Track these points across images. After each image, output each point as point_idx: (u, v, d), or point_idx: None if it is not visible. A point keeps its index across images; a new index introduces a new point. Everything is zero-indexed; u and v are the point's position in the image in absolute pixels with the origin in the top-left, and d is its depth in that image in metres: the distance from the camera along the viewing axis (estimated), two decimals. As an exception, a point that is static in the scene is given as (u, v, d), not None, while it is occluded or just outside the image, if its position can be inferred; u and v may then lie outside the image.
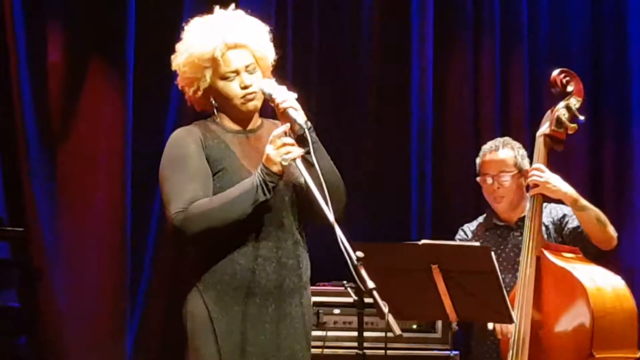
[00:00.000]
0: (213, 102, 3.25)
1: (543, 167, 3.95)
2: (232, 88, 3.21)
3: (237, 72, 3.20)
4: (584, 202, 4.00)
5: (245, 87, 3.20)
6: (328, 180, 3.07)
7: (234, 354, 3.13)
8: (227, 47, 3.19)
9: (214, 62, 3.19)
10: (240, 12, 3.27)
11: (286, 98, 3.15)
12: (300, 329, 3.23)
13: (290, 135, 3.14)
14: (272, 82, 3.22)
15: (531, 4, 5.64)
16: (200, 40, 3.20)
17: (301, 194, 3.22)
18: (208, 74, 3.20)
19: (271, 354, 3.16)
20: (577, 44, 5.66)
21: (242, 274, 3.15)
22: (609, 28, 5.67)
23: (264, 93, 3.21)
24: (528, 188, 4.08)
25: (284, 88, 3.19)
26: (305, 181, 3.05)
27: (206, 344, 3.13)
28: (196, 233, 3.10)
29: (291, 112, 3.13)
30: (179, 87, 3.30)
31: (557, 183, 3.95)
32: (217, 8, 3.27)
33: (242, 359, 3.13)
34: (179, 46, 3.26)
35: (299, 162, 3.07)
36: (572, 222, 4.16)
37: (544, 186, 3.93)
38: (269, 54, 3.28)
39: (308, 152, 3.09)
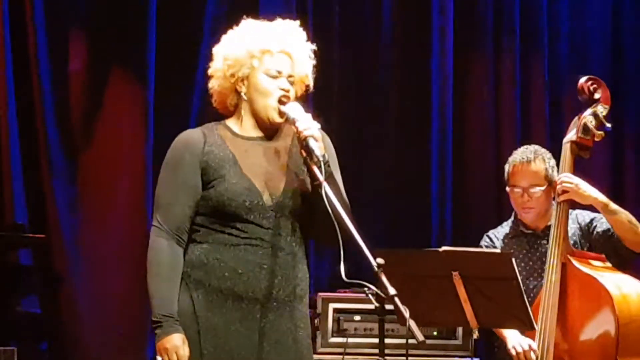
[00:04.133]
0: (243, 95, 3.23)
1: (570, 174, 3.93)
2: (271, 85, 3.20)
3: (280, 74, 3.20)
4: (614, 206, 3.98)
5: (283, 90, 3.19)
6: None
7: (214, 355, 3.09)
8: (282, 50, 3.21)
9: (265, 55, 3.20)
10: (300, 29, 3.27)
11: (309, 127, 3.12)
12: (287, 344, 3.15)
13: (306, 163, 3.12)
14: (299, 107, 3.19)
15: (551, 10, 5.63)
16: (259, 33, 3.22)
17: (307, 210, 3.18)
18: (256, 62, 3.19)
19: None
20: (598, 50, 5.65)
21: (232, 277, 3.12)
22: (629, 33, 5.65)
23: (288, 116, 3.18)
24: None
25: (309, 116, 3.15)
26: (324, 205, 2.99)
27: (189, 341, 3.10)
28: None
29: (311, 142, 3.09)
30: (210, 72, 3.25)
31: (587, 189, 3.93)
32: (278, 18, 3.27)
33: None
34: (230, 36, 3.25)
35: (327, 188, 3.01)
36: (601, 226, 4.13)
37: (575, 192, 3.91)
38: (305, 79, 3.27)
39: (320, 184, 3.03)
